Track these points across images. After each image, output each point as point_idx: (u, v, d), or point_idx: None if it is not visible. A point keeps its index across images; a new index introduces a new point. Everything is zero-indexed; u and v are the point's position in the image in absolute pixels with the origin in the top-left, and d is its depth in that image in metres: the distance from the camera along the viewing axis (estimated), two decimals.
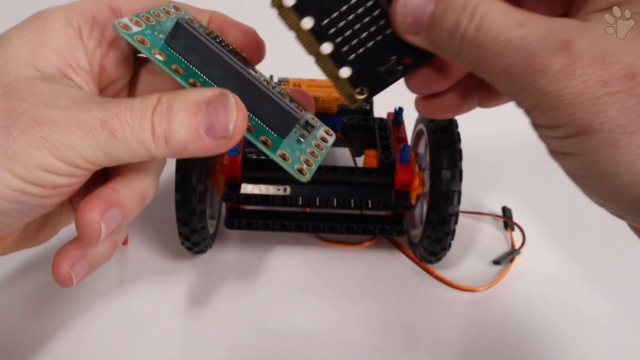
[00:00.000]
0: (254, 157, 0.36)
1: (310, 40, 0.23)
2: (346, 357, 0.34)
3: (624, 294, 0.39)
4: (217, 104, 0.22)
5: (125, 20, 0.22)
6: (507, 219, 0.43)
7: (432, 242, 0.36)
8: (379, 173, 0.36)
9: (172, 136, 0.22)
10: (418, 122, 0.40)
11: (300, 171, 0.23)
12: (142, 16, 0.23)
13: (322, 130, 0.27)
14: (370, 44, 0.23)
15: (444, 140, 0.35)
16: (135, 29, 0.22)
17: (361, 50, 0.23)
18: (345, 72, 0.23)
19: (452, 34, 0.21)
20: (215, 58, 0.23)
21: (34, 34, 0.23)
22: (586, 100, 0.19)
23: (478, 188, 0.45)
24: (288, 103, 0.23)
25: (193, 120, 0.21)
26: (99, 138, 0.21)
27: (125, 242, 0.40)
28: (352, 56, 0.23)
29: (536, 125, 0.21)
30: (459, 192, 0.35)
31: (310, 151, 0.25)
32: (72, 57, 0.23)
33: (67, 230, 0.26)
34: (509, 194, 0.45)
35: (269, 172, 0.36)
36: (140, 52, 0.23)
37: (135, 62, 0.25)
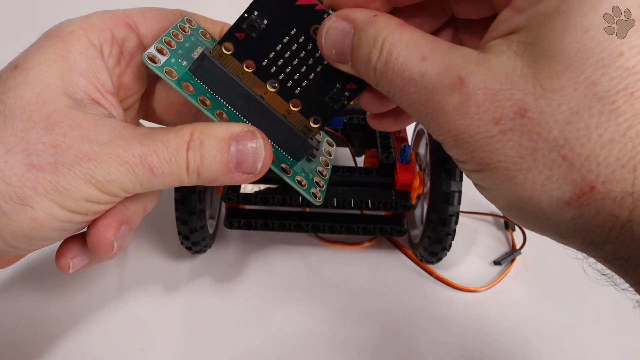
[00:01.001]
0: None
1: (256, 81, 0.24)
2: (346, 357, 0.34)
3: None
4: (246, 140, 0.23)
5: (152, 50, 0.24)
6: (507, 219, 0.43)
7: (432, 242, 0.36)
8: (380, 173, 0.36)
9: (205, 171, 0.23)
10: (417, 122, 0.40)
11: (315, 195, 0.25)
12: (165, 40, 0.24)
13: (325, 142, 0.28)
14: (311, 76, 0.24)
15: None
16: (162, 59, 0.24)
17: (304, 83, 0.24)
18: (295, 105, 0.24)
19: (367, 67, 0.22)
20: (237, 87, 0.24)
21: (61, 59, 0.24)
22: (482, 139, 0.19)
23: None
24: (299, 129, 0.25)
25: (224, 156, 0.23)
26: (138, 174, 0.23)
27: None
28: (298, 90, 0.24)
29: (454, 159, 0.21)
30: (460, 192, 0.34)
31: (319, 170, 0.26)
32: (98, 80, 0.25)
33: None
34: None
35: (270, 171, 0.36)
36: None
37: (147, 74, 0.26)
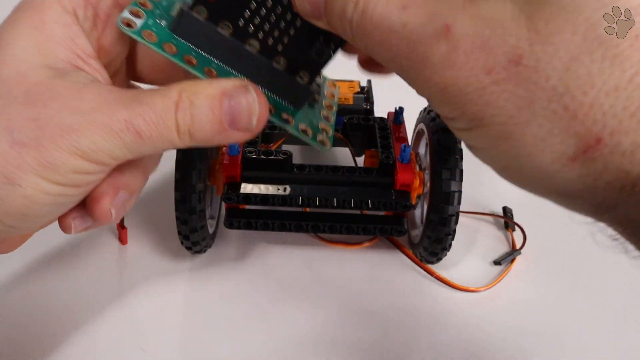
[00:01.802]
0: (254, 156, 0.36)
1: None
2: (346, 357, 0.34)
3: (625, 294, 0.38)
4: (239, 95, 0.22)
5: (126, 14, 0.22)
6: (507, 219, 0.43)
7: (432, 242, 0.36)
8: (380, 173, 0.36)
9: (197, 132, 0.22)
10: (418, 122, 0.40)
11: (322, 142, 0.24)
12: (139, 2, 0.23)
13: (326, 85, 0.27)
14: (292, 31, 0.23)
15: (445, 140, 0.35)
16: (138, 22, 0.22)
17: (285, 39, 0.23)
18: (280, 63, 0.24)
19: (342, 21, 0.20)
20: (223, 40, 0.23)
21: (36, 31, 0.23)
22: (473, 92, 0.17)
23: (479, 188, 0.45)
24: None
25: (217, 114, 0.22)
26: (125, 139, 0.21)
27: (124, 242, 0.39)
28: (280, 47, 0.23)
29: (443, 118, 0.20)
30: (459, 192, 0.34)
31: (324, 115, 0.25)
32: (78, 46, 0.23)
33: None
34: (510, 194, 0.45)
35: (270, 171, 0.36)
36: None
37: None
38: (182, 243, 0.36)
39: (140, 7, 0.23)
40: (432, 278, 0.38)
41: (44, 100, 0.21)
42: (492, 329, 0.36)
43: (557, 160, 0.17)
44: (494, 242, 0.42)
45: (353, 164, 0.42)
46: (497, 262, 0.40)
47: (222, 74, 0.23)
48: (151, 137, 0.22)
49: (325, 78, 0.27)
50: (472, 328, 0.36)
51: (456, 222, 0.35)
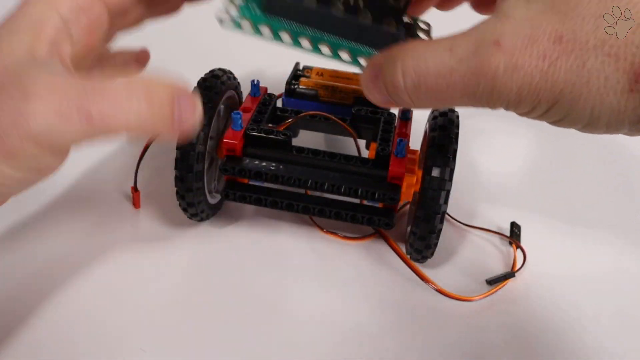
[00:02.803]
0: (255, 134, 0.37)
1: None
2: (347, 357, 0.34)
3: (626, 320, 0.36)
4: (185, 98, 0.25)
5: (224, 15, 0.27)
6: (511, 238, 0.41)
7: (416, 238, 0.36)
8: (375, 164, 0.37)
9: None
10: (427, 122, 0.40)
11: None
12: None
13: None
14: None
15: (440, 138, 0.35)
16: (233, 14, 0.27)
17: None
18: (367, 17, 0.27)
19: (396, 91, 0.24)
20: (312, 11, 0.27)
21: (32, 33, 0.25)
22: (540, 79, 0.21)
23: (488, 203, 0.44)
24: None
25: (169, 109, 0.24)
26: (75, 123, 0.23)
27: (137, 205, 0.42)
28: (361, 3, 0.27)
29: (522, 115, 0.23)
30: (448, 192, 0.34)
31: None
32: (62, 50, 0.26)
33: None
34: (521, 208, 0.44)
35: (269, 150, 0.37)
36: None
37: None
38: (179, 205, 0.38)
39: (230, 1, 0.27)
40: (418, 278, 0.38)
41: (9, 89, 0.23)
42: (491, 330, 0.35)
43: (621, 97, 0.21)
44: (495, 259, 0.41)
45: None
46: (489, 282, 0.38)
47: (316, 41, 0.27)
48: (102, 122, 0.23)
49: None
50: (473, 328, 0.35)
51: (441, 222, 0.35)
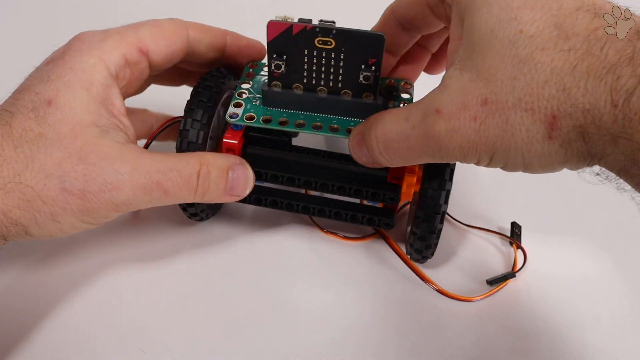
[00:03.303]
0: (255, 134, 0.37)
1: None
2: (346, 357, 0.34)
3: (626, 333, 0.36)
4: (238, 169, 0.33)
5: (231, 110, 0.34)
6: (511, 239, 0.41)
7: (416, 238, 0.36)
8: None
9: (207, 195, 0.32)
10: None
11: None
12: (237, 95, 0.35)
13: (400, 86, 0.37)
14: (340, 70, 0.32)
15: None
16: (239, 111, 0.34)
17: (340, 77, 0.32)
18: (346, 95, 0.33)
19: (375, 154, 0.30)
20: (300, 97, 0.33)
21: (86, 92, 0.30)
22: (475, 137, 0.25)
23: (491, 204, 0.43)
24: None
25: (223, 184, 0.32)
26: (154, 195, 0.29)
27: None
28: (340, 85, 0.33)
29: (476, 164, 0.27)
30: (448, 191, 0.34)
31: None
32: (114, 106, 0.31)
33: None
34: (523, 209, 0.44)
35: (269, 150, 0.37)
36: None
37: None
38: (179, 205, 0.38)
39: (239, 99, 0.34)
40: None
41: (93, 158, 0.28)
42: (492, 329, 0.35)
43: (543, 144, 0.24)
44: (495, 259, 0.40)
45: None
46: (489, 282, 0.38)
47: (309, 121, 0.33)
48: (174, 196, 0.30)
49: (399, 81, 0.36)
50: (473, 328, 0.35)
51: (441, 222, 0.35)
